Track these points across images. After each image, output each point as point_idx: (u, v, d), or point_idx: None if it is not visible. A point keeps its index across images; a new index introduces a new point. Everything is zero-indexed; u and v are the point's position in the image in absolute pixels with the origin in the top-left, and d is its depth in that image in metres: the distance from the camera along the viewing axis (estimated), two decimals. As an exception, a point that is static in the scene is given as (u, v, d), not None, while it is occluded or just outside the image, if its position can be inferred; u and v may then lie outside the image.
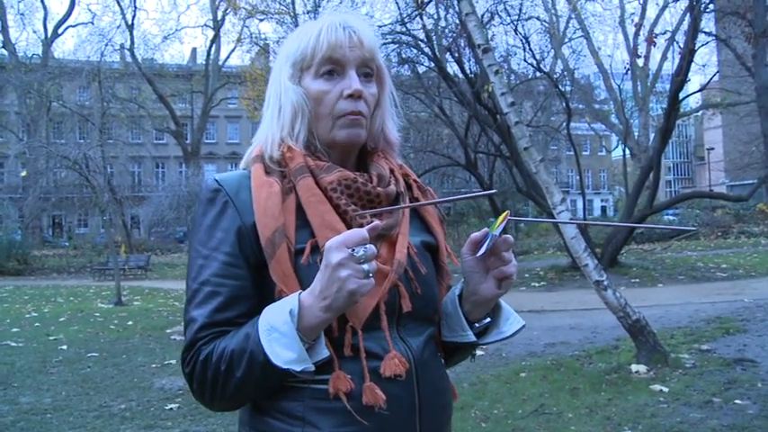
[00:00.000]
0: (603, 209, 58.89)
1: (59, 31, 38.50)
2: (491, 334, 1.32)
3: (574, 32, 24.56)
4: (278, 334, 1.07)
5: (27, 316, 12.60)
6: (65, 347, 8.80)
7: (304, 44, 1.25)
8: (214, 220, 1.20)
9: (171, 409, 5.59)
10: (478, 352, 1.41)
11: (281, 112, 1.27)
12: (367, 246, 1.05)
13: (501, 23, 14.79)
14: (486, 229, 1.22)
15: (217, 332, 1.14)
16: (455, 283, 1.35)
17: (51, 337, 9.69)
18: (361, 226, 1.13)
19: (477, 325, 1.30)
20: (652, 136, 25.10)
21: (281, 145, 1.26)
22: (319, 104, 1.25)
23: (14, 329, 10.62)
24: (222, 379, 1.12)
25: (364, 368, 1.14)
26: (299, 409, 1.14)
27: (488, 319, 1.32)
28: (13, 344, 9.17)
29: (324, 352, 1.11)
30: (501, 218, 1.19)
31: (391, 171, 1.31)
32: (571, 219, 6.43)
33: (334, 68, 1.25)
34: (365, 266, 1.05)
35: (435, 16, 14.96)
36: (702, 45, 13.11)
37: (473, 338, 1.28)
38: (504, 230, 1.21)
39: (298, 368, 1.07)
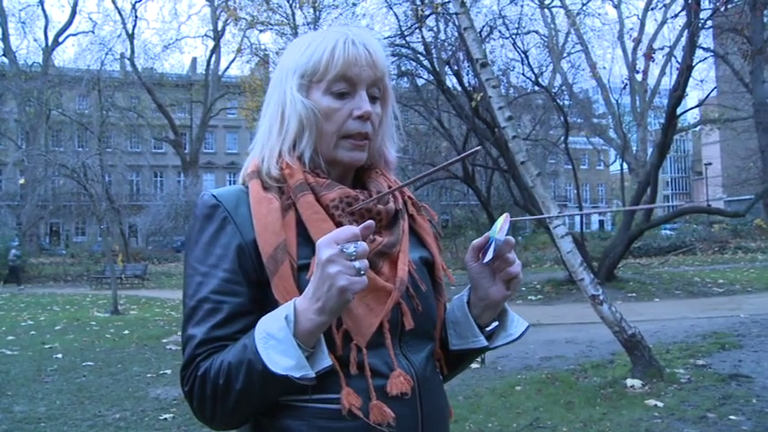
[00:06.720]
0: (601, 222, 58.89)
1: (60, 39, 38.75)
2: (499, 337, 1.33)
3: (573, 47, 24.70)
4: (274, 341, 1.04)
5: (23, 324, 12.59)
6: (60, 356, 8.78)
7: (317, 57, 1.21)
8: (212, 236, 1.17)
9: (165, 419, 5.57)
10: (473, 365, 1.41)
11: (286, 125, 1.23)
12: (358, 243, 1.02)
13: (500, 37, 14.89)
14: (487, 234, 1.21)
15: (215, 347, 1.11)
16: (450, 297, 1.35)
17: (47, 346, 9.68)
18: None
19: (486, 329, 1.31)
20: (650, 151, 25.16)
21: (279, 160, 1.22)
22: (327, 121, 1.22)
23: (10, 337, 10.60)
24: (221, 393, 1.08)
25: (370, 386, 1.12)
26: (303, 428, 1.11)
27: (496, 323, 1.32)
28: (8, 352, 9.15)
29: (326, 361, 1.08)
30: (501, 220, 1.19)
31: (389, 188, 1.30)
32: (568, 233, 6.44)
33: (346, 86, 1.22)
34: (356, 264, 1.01)
35: (435, 30, 15.05)
36: (700, 61, 13.26)
37: (485, 343, 1.29)
38: (509, 232, 1.21)
39: (297, 374, 1.03)
